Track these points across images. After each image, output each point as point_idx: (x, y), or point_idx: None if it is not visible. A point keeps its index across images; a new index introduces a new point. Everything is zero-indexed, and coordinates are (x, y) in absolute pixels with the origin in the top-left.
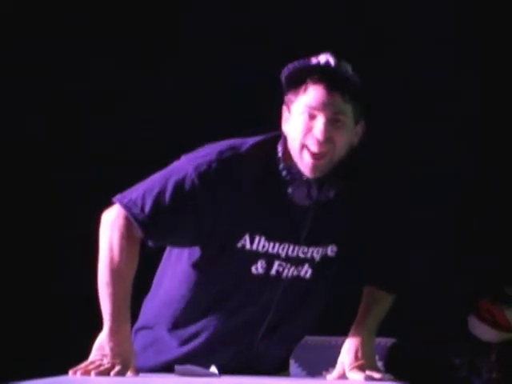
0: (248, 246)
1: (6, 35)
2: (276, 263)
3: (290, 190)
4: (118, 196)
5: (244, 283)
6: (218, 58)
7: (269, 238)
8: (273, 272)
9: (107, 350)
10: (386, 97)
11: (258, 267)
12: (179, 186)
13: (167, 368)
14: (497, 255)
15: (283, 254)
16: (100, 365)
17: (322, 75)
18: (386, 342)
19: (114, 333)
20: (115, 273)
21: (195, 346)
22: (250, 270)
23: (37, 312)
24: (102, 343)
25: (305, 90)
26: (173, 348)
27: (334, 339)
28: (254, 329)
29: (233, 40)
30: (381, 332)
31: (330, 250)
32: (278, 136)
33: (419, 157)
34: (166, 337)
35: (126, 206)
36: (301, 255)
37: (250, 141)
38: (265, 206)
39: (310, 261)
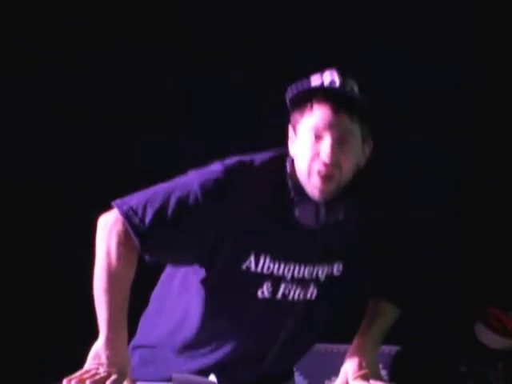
0: (253, 267)
1: None
2: (282, 286)
3: (297, 212)
4: (118, 201)
5: (251, 308)
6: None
7: (274, 258)
8: (279, 296)
9: (103, 359)
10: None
11: (264, 291)
12: (183, 200)
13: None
14: (506, 259)
15: (289, 276)
16: (96, 374)
17: (327, 95)
18: (390, 349)
19: (110, 341)
20: (112, 279)
21: (203, 364)
22: (256, 294)
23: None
24: (97, 352)
25: (310, 110)
26: (179, 365)
27: (336, 347)
28: (265, 353)
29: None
30: (384, 339)
31: (336, 269)
32: (286, 154)
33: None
34: (171, 357)
35: (125, 214)
36: (306, 276)
37: (258, 158)
38: (271, 226)
39: (315, 280)
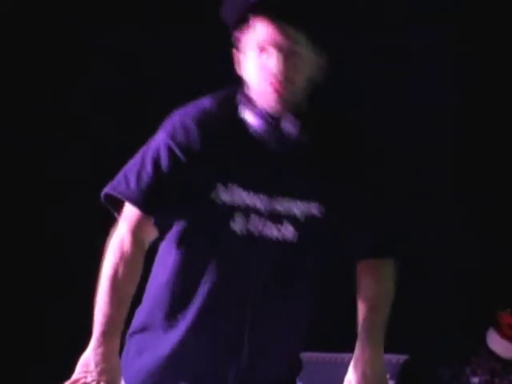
0: (221, 196)
1: None
2: (254, 218)
3: (254, 128)
4: (104, 189)
5: (226, 244)
6: None
7: (242, 187)
8: (252, 229)
9: (92, 367)
10: None
11: (236, 223)
12: (156, 153)
13: (164, 368)
14: None
15: (259, 206)
16: (84, 383)
17: (268, 7)
18: (398, 358)
19: (100, 345)
20: (114, 281)
21: (187, 326)
22: (228, 226)
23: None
24: (86, 359)
25: (252, 26)
26: (170, 341)
27: (341, 356)
28: (244, 301)
29: None
30: (392, 348)
31: (314, 208)
32: (239, 87)
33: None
34: (161, 335)
35: (112, 189)
36: (278, 208)
37: (213, 95)
38: (234, 154)
39: (292, 219)
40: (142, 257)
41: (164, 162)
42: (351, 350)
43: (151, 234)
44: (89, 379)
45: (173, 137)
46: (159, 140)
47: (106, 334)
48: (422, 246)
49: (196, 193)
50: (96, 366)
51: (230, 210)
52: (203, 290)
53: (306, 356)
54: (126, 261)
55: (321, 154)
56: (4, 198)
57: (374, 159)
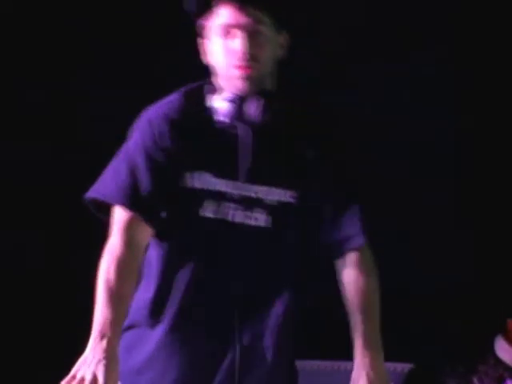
0: (190, 183)
1: None
2: (225, 204)
3: (217, 107)
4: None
5: (199, 231)
6: None
7: (212, 173)
8: (223, 214)
9: (89, 360)
10: None
11: (206, 209)
12: (131, 153)
13: (150, 364)
14: None
15: (230, 192)
16: (82, 379)
17: None
18: (403, 367)
19: (97, 344)
20: (107, 284)
21: (170, 321)
22: (198, 212)
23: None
24: (84, 356)
25: (215, 12)
26: (155, 336)
27: (344, 364)
28: (226, 287)
29: None
30: (397, 356)
31: (285, 194)
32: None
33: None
34: (147, 331)
35: (95, 192)
36: (249, 194)
37: (180, 89)
38: (203, 142)
39: (264, 204)
40: (136, 257)
41: (140, 160)
42: (347, 357)
43: (144, 232)
44: (87, 375)
45: (143, 135)
46: (132, 140)
47: (102, 333)
48: (427, 252)
49: (169, 184)
50: (93, 358)
51: (200, 196)
52: (183, 282)
53: (301, 364)
54: (118, 263)
55: (288, 138)
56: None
57: (341, 146)
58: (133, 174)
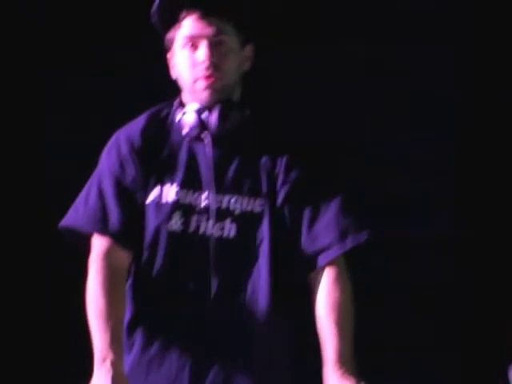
0: (157, 198)
1: None
2: (193, 217)
3: (184, 120)
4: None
5: (167, 247)
6: None
7: (180, 186)
8: (192, 226)
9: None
10: None
11: (174, 223)
12: (99, 177)
13: None
14: None
15: (196, 203)
16: None
17: (191, 4)
18: None
19: (99, 370)
20: (96, 310)
21: (140, 344)
22: (166, 227)
23: None
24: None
25: (180, 25)
26: (128, 357)
27: None
28: (199, 303)
29: None
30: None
31: (254, 204)
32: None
33: None
34: (126, 348)
35: (67, 221)
36: (215, 204)
37: (149, 110)
38: (170, 156)
39: (231, 214)
40: (120, 280)
41: (107, 184)
42: None
43: (122, 256)
44: None
45: (109, 158)
46: (100, 165)
47: (103, 358)
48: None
49: (137, 204)
50: (100, 382)
51: (168, 210)
52: (152, 300)
53: None
54: (104, 290)
55: (252, 146)
56: None
57: (311, 150)
58: (102, 199)
